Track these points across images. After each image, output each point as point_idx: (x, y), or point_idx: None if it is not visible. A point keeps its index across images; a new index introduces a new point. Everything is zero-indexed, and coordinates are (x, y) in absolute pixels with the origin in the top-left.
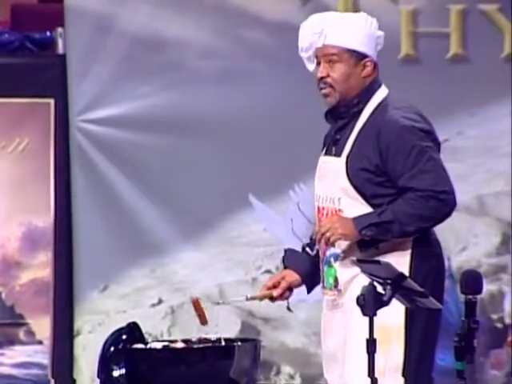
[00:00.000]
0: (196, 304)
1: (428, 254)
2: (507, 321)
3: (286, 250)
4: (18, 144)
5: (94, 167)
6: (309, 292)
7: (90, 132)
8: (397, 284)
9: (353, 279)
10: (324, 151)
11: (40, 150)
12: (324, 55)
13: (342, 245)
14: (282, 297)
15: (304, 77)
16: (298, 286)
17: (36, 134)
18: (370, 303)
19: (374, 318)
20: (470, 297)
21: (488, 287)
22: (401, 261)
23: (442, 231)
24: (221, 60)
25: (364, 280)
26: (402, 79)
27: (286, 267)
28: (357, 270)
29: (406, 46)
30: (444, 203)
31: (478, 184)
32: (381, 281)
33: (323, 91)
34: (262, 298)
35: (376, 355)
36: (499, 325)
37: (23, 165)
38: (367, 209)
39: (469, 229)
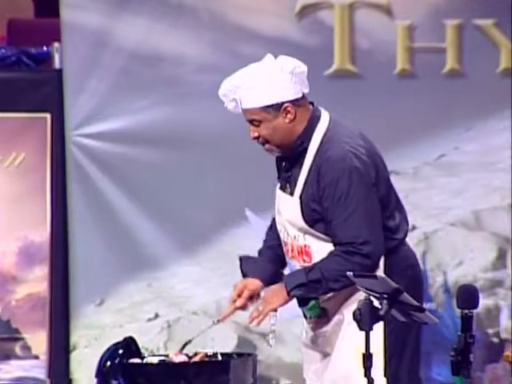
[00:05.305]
0: None
1: (403, 267)
2: (503, 335)
3: (241, 258)
4: (14, 158)
5: (91, 182)
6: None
7: (86, 146)
8: (393, 298)
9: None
10: (279, 185)
11: (36, 164)
12: (247, 119)
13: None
14: (246, 306)
15: None
16: (261, 291)
17: (32, 148)
18: (366, 318)
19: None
20: (467, 311)
21: (484, 302)
22: None
23: (438, 246)
24: (217, 75)
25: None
26: (397, 94)
27: (245, 275)
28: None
29: (401, 61)
30: (366, 257)
31: (475, 199)
32: (377, 295)
33: (264, 148)
34: (227, 316)
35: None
36: (495, 339)
37: (20, 179)
38: (331, 244)
39: (465, 243)
